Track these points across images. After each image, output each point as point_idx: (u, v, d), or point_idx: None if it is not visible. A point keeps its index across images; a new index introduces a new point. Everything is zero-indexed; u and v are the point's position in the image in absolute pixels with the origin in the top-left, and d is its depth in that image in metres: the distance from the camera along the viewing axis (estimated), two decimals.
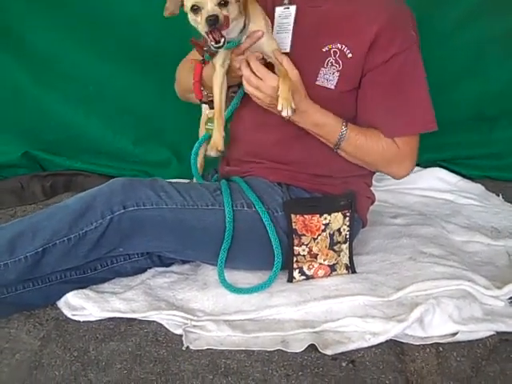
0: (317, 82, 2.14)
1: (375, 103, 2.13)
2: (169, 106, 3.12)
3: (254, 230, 2.14)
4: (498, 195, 3.06)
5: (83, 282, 2.16)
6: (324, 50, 2.13)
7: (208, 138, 2.28)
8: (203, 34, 1.95)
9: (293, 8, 2.15)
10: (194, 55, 2.41)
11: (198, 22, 1.93)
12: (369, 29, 2.07)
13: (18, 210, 2.93)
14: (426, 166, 3.23)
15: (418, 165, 3.12)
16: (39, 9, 3.03)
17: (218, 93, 2.13)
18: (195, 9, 1.92)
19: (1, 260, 1.98)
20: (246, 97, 2.20)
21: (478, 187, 3.12)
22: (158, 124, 3.25)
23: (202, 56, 2.19)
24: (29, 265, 1.99)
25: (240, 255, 2.16)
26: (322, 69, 2.13)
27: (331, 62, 2.12)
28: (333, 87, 2.12)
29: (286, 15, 2.14)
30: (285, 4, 2.14)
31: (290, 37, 2.14)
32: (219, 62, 2.10)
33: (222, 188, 2.18)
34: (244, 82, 2.07)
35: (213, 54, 2.08)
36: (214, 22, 1.89)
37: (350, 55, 2.11)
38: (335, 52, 2.12)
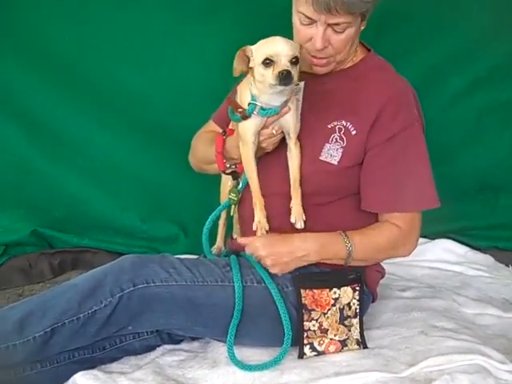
0: (320, 157, 2.16)
1: (378, 182, 2.15)
2: (175, 180, 3.19)
3: (263, 306, 2.12)
4: (508, 266, 3.06)
5: (91, 361, 2.12)
6: (329, 126, 2.17)
7: (225, 207, 2.31)
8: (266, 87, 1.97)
9: (302, 83, 2.19)
10: (209, 127, 2.54)
11: (268, 77, 1.94)
12: (371, 107, 2.12)
13: (26, 289, 2.94)
14: (433, 238, 3.22)
15: (425, 236, 3.22)
16: (48, 85, 3.07)
17: (255, 173, 2.14)
18: (267, 62, 1.94)
19: (9, 340, 1.96)
20: None
21: (486, 258, 3.11)
22: (166, 200, 3.26)
23: (229, 122, 2.23)
24: (37, 345, 1.97)
25: (250, 331, 2.13)
26: (327, 144, 2.16)
27: (336, 139, 2.15)
28: (336, 163, 2.14)
29: (297, 91, 2.18)
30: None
31: (299, 112, 2.18)
32: (251, 137, 2.10)
33: (231, 264, 2.17)
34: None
35: (246, 117, 2.09)
36: (286, 76, 1.91)
37: (354, 132, 2.14)
38: (340, 129, 2.16)
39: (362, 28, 2.17)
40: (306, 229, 2.17)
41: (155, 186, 3.25)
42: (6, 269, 3.02)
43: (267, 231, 2.12)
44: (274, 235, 2.12)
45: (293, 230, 2.18)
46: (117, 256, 2.36)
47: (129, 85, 3.11)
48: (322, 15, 2.01)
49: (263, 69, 1.96)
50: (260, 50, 1.98)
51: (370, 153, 2.14)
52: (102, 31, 3.04)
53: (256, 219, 2.13)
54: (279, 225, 2.18)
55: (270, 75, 1.94)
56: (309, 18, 2.04)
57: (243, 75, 2.08)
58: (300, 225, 2.11)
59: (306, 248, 2.09)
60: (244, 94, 2.10)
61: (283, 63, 1.92)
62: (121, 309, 2.03)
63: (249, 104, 2.07)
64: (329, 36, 2.08)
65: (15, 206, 3.12)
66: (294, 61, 1.94)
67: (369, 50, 2.29)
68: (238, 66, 2.01)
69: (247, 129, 2.11)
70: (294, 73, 1.93)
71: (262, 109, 2.05)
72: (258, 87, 2.04)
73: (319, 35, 2.06)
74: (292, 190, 2.13)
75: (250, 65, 2.01)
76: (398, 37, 3.11)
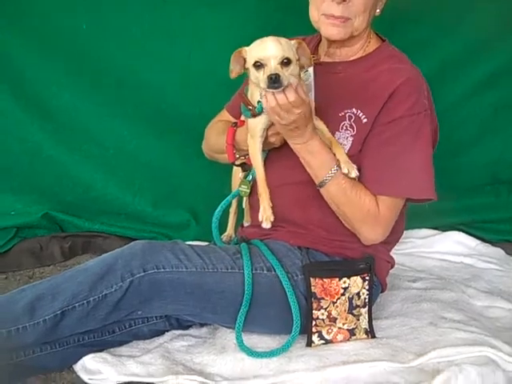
0: None
1: (371, 157, 2.14)
2: (187, 167, 3.20)
3: (273, 294, 2.13)
4: None
5: (101, 345, 2.14)
6: (340, 114, 2.17)
7: (235, 197, 2.33)
8: (261, 90, 1.98)
9: (311, 69, 2.18)
10: (223, 116, 2.54)
11: (260, 79, 1.95)
12: (382, 94, 2.12)
13: (36, 272, 2.93)
14: (444, 230, 3.22)
15: (436, 228, 3.24)
16: (61, 71, 3.07)
17: (260, 165, 2.15)
18: (258, 65, 1.94)
19: (20, 323, 1.97)
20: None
21: (497, 251, 3.10)
22: (177, 186, 3.27)
23: (241, 113, 2.22)
24: (48, 328, 1.99)
25: (259, 319, 2.14)
26: (337, 132, 2.16)
27: (346, 126, 2.16)
28: (346, 152, 2.13)
29: (307, 77, 2.17)
30: (304, 68, 2.16)
31: (313, 96, 2.17)
32: (259, 132, 2.11)
33: (241, 251, 2.18)
34: (272, 104, 1.98)
35: (255, 115, 2.10)
36: (275, 80, 1.90)
37: (364, 120, 2.14)
38: (350, 116, 2.16)
39: (378, 11, 2.19)
40: (312, 214, 2.19)
41: (167, 172, 3.25)
42: (17, 251, 3.02)
43: (272, 221, 2.11)
44: None
45: (306, 217, 2.21)
46: (128, 241, 2.39)
47: (143, 74, 3.12)
48: None
49: (255, 71, 1.97)
50: (251, 52, 1.98)
51: (371, 132, 2.13)
52: (118, 20, 3.05)
53: (261, 209, 2.13)
54: (289, 213, 2.19)
55: (261, 78, 1.94)
56: None
57: (243, 76, 2.08)
58: (355, 173, 2.07)
59: (307, 132, 2.05)
60: (254, 92, 2.11)
61: (272, 66, 1.91)
62: (131, 293, 2.04)
63: (258, 102, 2.08)
64: None
65: (28, 191, 3.12)
66: (286, 61, 1.93)
67: (383, 41, 2.28)
68: (234, 68, 2.03)
69: (256, 125, 2.13)
70: (285, 74, 1.92)
71: None
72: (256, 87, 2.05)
73: None
74: (332, 146, 2.10)
75: (246, 65, 2.01)
76: (413, 30, 3.11)
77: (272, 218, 2.11)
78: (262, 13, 3.00)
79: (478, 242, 3.16)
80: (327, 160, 2.09)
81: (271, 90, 1.93)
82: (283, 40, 1.98)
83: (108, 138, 3.19)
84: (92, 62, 3.08)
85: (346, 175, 2.07)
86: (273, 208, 2.11)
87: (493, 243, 3.20)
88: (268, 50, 1.94)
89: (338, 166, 2.09)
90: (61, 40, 3.03)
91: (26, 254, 3.03)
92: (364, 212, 2.12)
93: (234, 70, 2.03)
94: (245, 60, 2.01)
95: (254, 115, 2.10)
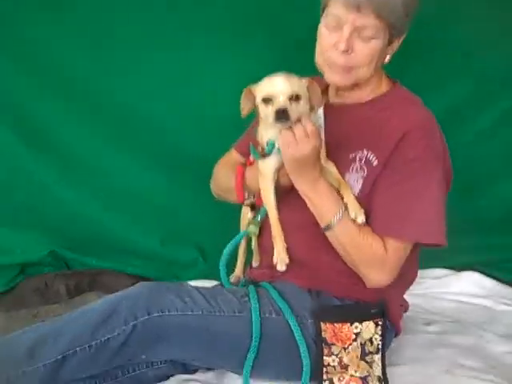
0: None
1: (379, 198, 2.08)
2: (195, 205, 3.18)
3: (282, 339, 2.06)
4: None
5: None
6: (350, 156, 2.13)
7: (242, 237, 2.29)
8: (274, 127, 1.96)
9: (320, 110, 2.15)
10: (231, 155, 2.51)
11: (268, 115, 1.94)
12: (395, 136, 2.07)
13: (41, 310, 2.89)
14: (459, 270, 3.15)
15: (451, 268, 3.17)
16: (66, 104, 3.07)
17: (274, 207, 2.11)
18: (266, 101, 1.94)
19: (20, 367, 1.92)
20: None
21: None
22: (185, 223, 3.25)
23: (249, 153, 2.20)
24: (48, 373, 1.93)
25: (267, 364, 2.07)
26: (347, 174, 2.12)
27: (356, 168, 2.11)
28: (356, 194, 2.09)
29: (317, 118, 2.13)
30: (314, 109, 2.12)
31: (323, 137, 2.13)
32: (271, 173, 2.08)
33: (249, 294, 2.12)
34: (285, 136, 1.97)
35: (264, 156, 2.08)
36: (282, 114, 1.90)
37: (375, 163, 2.10)
38: (360, 158, 2.12)
39: (388, 57, 2.15)
40: (322, 255, 2.15)
41: (175, 210, 3.24)
42: (22, 288, 3.00)
43: (287, 264, 2.08)
44: None
45: (317, 259, 2.17)
46: (134, 278, 2.37)
47: (152, 111, 3.13)
48: (351, 15, 2.00)
49: (264, 107, 1.96)
50: (260, 88, 1.98)
51: (381, 174, 2.09)
52: (128, 57, 3.06)
53: (275, 251, 2.09)
54: (298, 255, 2.14)
55: (269, 113, 1.93)
56: (336, 18, 2.03)
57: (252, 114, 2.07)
58: (361, 220, 2.02)
59: (316, 171, 2.02)
60: (263, 132, 2.10)
61: (280, 101, 1.91)
62: (134, 337, 1.98)
63: (267, 143, 2.06)
64: (353, 42, 2.05)
65: (34, 228, 3.11)
66: (295, 97, 1.93)
67: (394, 83, 2.25)
68: (245, 106, 2.02)
69: (267, 166, 2.10)
70: (293, 110, 1.92)
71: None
72: (265, 125, 2.04)
73: (344, 36, 2.03)
74: (341, 188, 2.06)
75: (256, 103, 2.00)
76: (423, 69, 3.09)
77: (287, 261, 2.07)
78: (275, 52, 3.00)
79: (495, 282, 3.07)
80: (334, 202, 2.06)
81: (278, 125, 1.93)
82: (293, 77, 1.97)
83: (116, 175, 3.18)
84: (99, 100, 3.10)
85: (353, 220, 2.03)
86: (287, 250, 2.08)
87: (511, 284, 3.11)
88: (277, 85, 1.94)
89: (346, 208, 2.05)
90: (66, 78, 3.07)
91: (31, 292, 3.01)
92: (371, 255, 2.07)
93: (245, 108, 2.02)
94: (255, 97, 2.01)
95: (264, 156, 2.08)
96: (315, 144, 1.95)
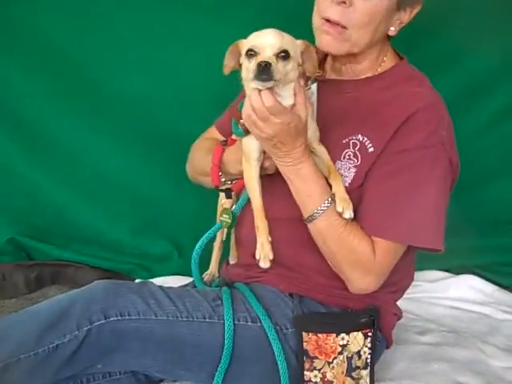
0: None
1: (370, 191, 1.91)
2: (171, 193, 3.07)
3: (257, 349, 1.93)
4: None
5: None
6: (344, 141, 1.94)
7: (218, 229, 2.10)
8: (249, 84, 1.76)
9: (314, 86, 1.96)
10: (211, 134, 2.37)
11: (249, 70, 1.73)
12: (398, 119, 1.88)
13: None
14: (457, 273, 3.04)
15: (448, 271, 3.07)
16: (36, 84, 2.95)
17: (258, 194, 1.90)
18: (250, 54, 1.75)
19: None
20: None
21: None
22: (159, 213, 3.13)
23: (232, 132, 2.00)
24: None
25: (240, 378, 1.95)
26: (338, 162, 1.93)
27: (349, 155, 1.93)
28: (347, 185, 1.91)
29: (309, 95, 1.95)
30: (307, 85, 1.95)
31: (315, 117, 1.95)
32: (255, 154, 1.88)
33: (222, 297, 1.97)
34: (248, 111, 1.78)
35: (249, 131, 1.86)
36: (264, 69, 1.68)
37: (371, 149, 1.90)
38: (355, 144, 1.93)
39: (393, 30, 1.96)
40: (307, 256, 1.97)
41: (149, 198, 3.12)
42: None
43: (271, 260, 1.87)
44: None
45: (301, 259, 2.00)
46: (102, 272, 2.29)
47: (129, 90, 2.99)
48: None
49: (247, 62, 1.75)
50: (247, 41, 1.80)
51: (376, 162, 1.91)
52: (101, 32, 2.93)
53: (258, 245, 1.90)
54: (280, 254, 1.94)
55: (251, 68, 1.72)
56: None
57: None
58: (349, 214, 1.84)
59: (296, 152, 1.80)
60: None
61: (266, 55, 1.71)
62: (88, 345, 1.83)
63: None
64: None
65: None
66: (284, 55, 1.73)
67: (401, 59, 2.06)
68: (228, 62, 1.84)
69: (251, 145, 1.90)
70: (279, 69, 1.71)
71: None
72: (246, 89, 1.83)
73: None
74: (330, 176, 1.88)
75: (241, 60, 1.82)
76: (432, 51, 2.93)
77: (271, 256, 1.87)
78: (262, 23, 2.79)
79: (495, 287, 2.96)
80: (320, 190, 1.86)
81: (259, 84, 1.71)
82: (287, 35, 1.78)
83: (85, 157, 3.05)
84: (71, 73, 2.98)
85: (340, 214, 1.84)
86: (272, 243, 1.88)
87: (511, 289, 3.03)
88: (265, 37, 1.76)
89: (333, 200, 1.86)
90: (36, 48, 2.94)
91: None
92: (356, 255, 1.88)
93: (228, 65, 1.83)
94: (241, 54, 1.81)
95: (247, 131, 1.87)
96: (280, 121, 1.74)
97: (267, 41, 1.74)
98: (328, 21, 1.89)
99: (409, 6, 1.91)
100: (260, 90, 1.71)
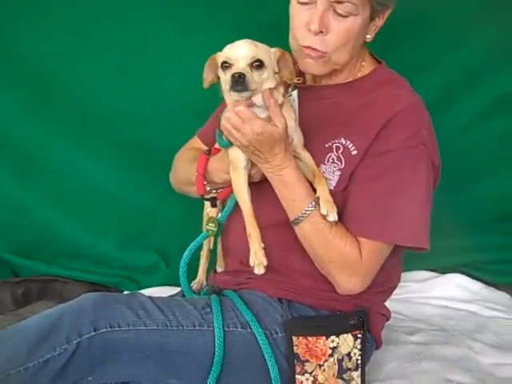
0: None
1: (354, 193, 1.91)
2: (155, 204, 3.09)
3: (248, 355, 1.92)
4: None
5: None
6: (327, 145, 1.95)
7: (205, 238, 2.10)
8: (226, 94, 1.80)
9: (294, 93, 1.98)
10: (194, 144, 2.36)
11: (226, 82, 1.76)
12: (378, 122, 1.89)
13: None
14: (444, 272, 3.06)
15: (434, 270, 3.08)
16: (19, 102, 2.93)
17: (247, 201, 1.91)
18: (225, 66, 1.77)
19: None
20: None
21: (503, 296, 2.94)
22: (145, 225, 3.12)
23: (214, 141, 2.02)
24: None
25: None
26: (322, 165, 1.94)
27: (332, 159, 1.94)
28: (332, 188, 1.92)
29: (291, 102, 1.96)
30: (288, 92, 1.96)
31: (297, 123, 1.96)
32: (242, 162, 1.89)
33: (211, 304, 1.96)
34: (223, 121, 1.82)
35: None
36: (238, 80, 1.70)
37: (354, 152, 1.92)
38: (338, 148, 1.94)
39: (369, 37, 1.97)
40: (294, 259, 1.98)
41: (134, 210, 3.10)
42: None
43: (265, 267, 1.87)
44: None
45: (289, 262, 2.00)
46: (89, 287, 2.32)
47: (112, 104, 2.99)
48: None
49: (223, 74, 1.78)
50: (222, 53, 1.82)
51: (359, 164, 1.92)
52: (83, 44, 2.92)
53: (252, 252, 1.90)
54: (271, 257, 1.93)
55: (226, 80, 1.75)
56: None
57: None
58: (333, 217, 1.84)
59: (276, 159, 1.81)
60: None
61: (240, 66, 1.74)
62: (79, 357, 1.80)
63: None
64: (328, 21, 1.86)
65: None
66: (258, 64, 1.75)
67: (379, 63, 2.07)
68: (207, 76, 1.86)
69: (238, 154, 1.90)
70: (253, 78, 1.74)
71: None
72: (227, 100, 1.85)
73: (317, 14, 1.85)
74: (315, 180, 1.89)
75: (218, 73, 1.84)
76: (409, 50, 2.97)
77: (265, 263, 1.87)
78: (240, 34, 2.79)
79: (482, 285, 3.00)
80: (303, 195, 1.87)
81: (235, 95, 1.75)
82: (261, 45, 1.81)
83: (69, 171, 3.03)
84: (54, 88, 2.98)
85: (324, 217, 1.84)
86: (265, 250, 1.89)
87: (498, 287, 3.03)
88: (237, 49, 1.78)
89: (317, 203, 1.87)
90: (20, 64, 2.93)
91: None
92: (343, 257, 1.89)
93: (207, 79, 1.86)
94: (218, 67, 1.83)
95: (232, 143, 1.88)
96: (251, 128, 1.75)
97: (240, 52, 1.75)
98: (308, 46, 1.90)
99: (382, 13, 1.92)
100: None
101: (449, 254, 2.98)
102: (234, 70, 1.72)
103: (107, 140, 3.02)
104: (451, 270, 3.06)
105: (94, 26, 2.89)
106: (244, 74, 1.70)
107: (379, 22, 1.95)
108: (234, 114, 1.75)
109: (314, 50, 1.90)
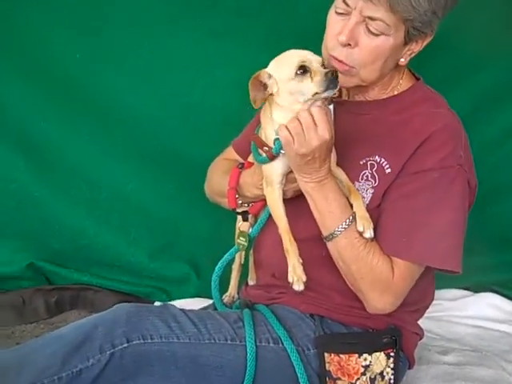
0: None
1: (388, 211, 1.89)
2: (188, 214, 3.05)
3: (280, 371, 1.91)
4: None
5: None
6: (361, 162, 1.94)
7: (236, 252, 2.08)
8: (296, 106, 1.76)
9: (331, 107, 1.94)
10: (229, 154, 2.36)
11: (305, 88, 1.73)
12: (415, 140, 1.87)
13: (17, 330, 2.80)
14: (476, 291, 3.01)
15: (467, 289, 3.04)
16: (50, 106, 2.94)
17: (283, 216, 1.88)
18: (302, 72, 1.73)
19: None
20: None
21: None
22: (177, 235, 3.11)
23: (249, 152, 2.01)
24: None
25: None
26: (356, 183, 1.93)
27: (366, 176, 1.92)
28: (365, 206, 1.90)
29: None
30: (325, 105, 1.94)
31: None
32: (278, 178, 1.87)
33: (244, 319, 1.95)
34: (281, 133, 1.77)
35: (273, 157, 1.85)
36: (331, 77, 1.70)
37: (388, 170, 1.90)
38: (372, 165, 1.93)
39: (403, 61, 1.94)
40: (324, 275, 1.96)
41: (166, 219, 3.09)
42: None
43: (305, 282, 1.84)
44: None
45: (321, 278, 1.97)
46: (121, 296, 2.27)
47: (141, 113, 2.99)
48: (360, 1, 1.79)
49: (298, 81, 1.73)
50: (284, 64, 1.78)
51: (394, 183, 1.90)
52: (114, 51, 2.93)
53: (290, 268, 1.87)
54: (306, 274, 1.89)
55: (309, 85, 1.72)
56: (346, 3, 1.83)
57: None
58: (369, 234, 1.83)
59: (324, 168, 1.80)
60: (268, 129, 1.87)
61: (318, 66, 1.73)
62: (111, 368, 1.80)
63: (275, 140, 1.83)
64: (358, 35, 1.84)
65: (12, 237, 3.01)
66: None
67: (417, 79, 2.05)
68: (256, 96, 1.80)
69: (274, 169, 1.88)
70: None
71: None
72: (284, 114, 1.80)
73: (348, 26, 1.83)
74: (351, 196, 1.87)
75: (270, 91, 1.80)
76: (441, 64, 2.91)
77: (304, 278, 1.84)
78: (272, 44, 2.81)
79: None
80: (342, 209, 1.85)
81: (331, 92, 1.73)
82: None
83: (101, 180, 3.04)
84: (84, 96, 2.97)
85: (360, 233, 1.83)
86: (303, 265, 1.85)
87: None
88: (306, 53, 1.77)
89: (354, 218, 1.85)
90: (50, 72, 2.93)
91: (7, 309, 2.91)
92: (375, 274, 1.87)
93: (257, 98, 1.80)
94: (265, 85, 1.79)
95: (272, 158, 1.85)
96: (324, 135, 1.73)
97: (311, 55, 1.75)
98: (335, 57, 1.89)
99: (420, 39, 1.89)
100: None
101: (480, 273, 2.93)
102: (319, 71, 1.71)
103: (139, 151, 3.02)
104: (483, 288, 3.02)
105: (124, 35, 2.89)
106: (336, 71, 1.72)
107: (416, 48, 1.91)
108: (305, 117, 1.72)
109: (341, 62, 1.88)
